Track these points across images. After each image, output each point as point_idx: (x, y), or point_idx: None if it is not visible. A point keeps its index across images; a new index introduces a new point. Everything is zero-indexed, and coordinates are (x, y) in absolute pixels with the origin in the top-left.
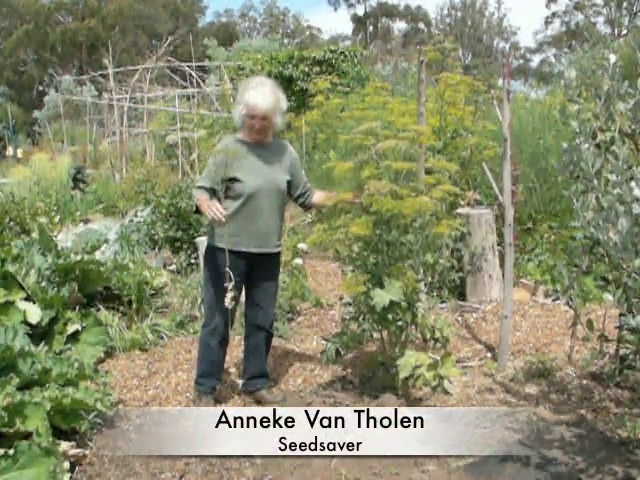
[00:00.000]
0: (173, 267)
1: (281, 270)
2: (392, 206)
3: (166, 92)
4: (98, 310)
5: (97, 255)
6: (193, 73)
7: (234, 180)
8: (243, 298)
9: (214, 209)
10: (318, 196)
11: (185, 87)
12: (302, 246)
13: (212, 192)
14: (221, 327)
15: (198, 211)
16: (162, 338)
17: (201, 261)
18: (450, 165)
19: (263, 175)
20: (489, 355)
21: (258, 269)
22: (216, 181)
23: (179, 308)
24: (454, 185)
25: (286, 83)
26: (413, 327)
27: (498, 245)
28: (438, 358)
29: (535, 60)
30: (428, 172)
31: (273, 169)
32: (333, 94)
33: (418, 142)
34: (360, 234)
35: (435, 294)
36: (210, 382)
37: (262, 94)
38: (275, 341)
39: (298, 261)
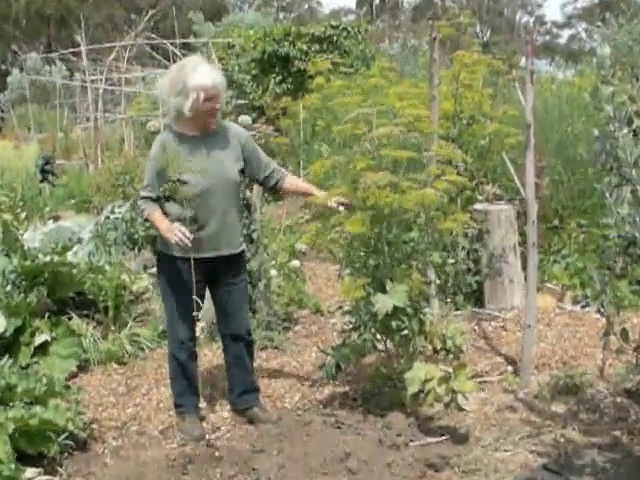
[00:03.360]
0: (154, 270)
1: (276, 273)
2: (391, 200)
3: (147, 73)
4: (70, 318)
5: (69, 256)
6: (177, 51)
7: (179, 182)
8: (206, 305)
9: (179, 234)
10: (292, 182)
11: (168, 67)
12: (299, 246)
13: (160, 201)
14: (187, 341)
15: (147, 220)
16: (142, 350)
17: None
18: (458, 154)
19: (211, 171)
20: (510, 369)
21: (220, 273)
22: (160, 187)
23: (161, 316)
24: (471, 178)
25: (282, 63)
26: (421, 336)
27: (520, 245)
28: (450, 371)
29: (563, 36)
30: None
31: (222, 161)
32: (335, 75)
33: (420, 128)
34: (356, 233)
35: (449, 300)
36: (190, 400)
37: (209, 71)
38: (270, 353)
39: (295, 263)
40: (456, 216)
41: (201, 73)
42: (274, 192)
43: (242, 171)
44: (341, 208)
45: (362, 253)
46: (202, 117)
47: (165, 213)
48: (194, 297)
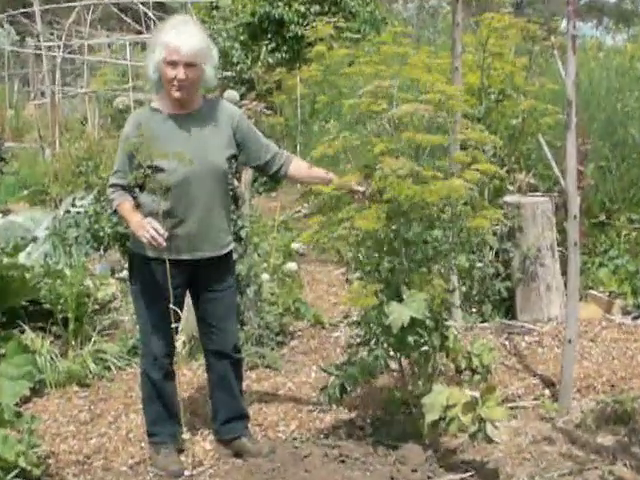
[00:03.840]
0: (124, 274)
1: (268, 278)
2: (413, 192)
3: (113, 39)
4: (22, 332)
5: (21, 258)
6: (150, 13)
7: (154, 169)
8: (186, 315)
9: (151, 231)
10: (299, 167)
11: (139, 32)
12: (297, 246)
13: (133, 190)
14: (163, 357)
15: (116, 212)
16: (109, 369)
17: None
18: (489, 137)
19: (192, 157)
20: (547, 392)
21: (203, 278)
22: (132, 173)
23: (132, 329)
24: (500, 165)
25: (275, 27)
26: (443, 353)
27: (559, 245)
28: (477, 395)
29: None
30: (462, 148)
31: (207, 145)
32: (338, 42)
33: (448, 108)
34: (369, 229)
35: (474, 310)
36: (166, 429)
37: (186, 32)
38: (261, 373)
39: (291, 266)
40: (487, 212)
41: (175, 31)
42: (276, 181)
43: (233, 157)
44: (360, 189)
45: (375, 254)
46: (167, 87)
47: (138, 205)
48: (172, 306)
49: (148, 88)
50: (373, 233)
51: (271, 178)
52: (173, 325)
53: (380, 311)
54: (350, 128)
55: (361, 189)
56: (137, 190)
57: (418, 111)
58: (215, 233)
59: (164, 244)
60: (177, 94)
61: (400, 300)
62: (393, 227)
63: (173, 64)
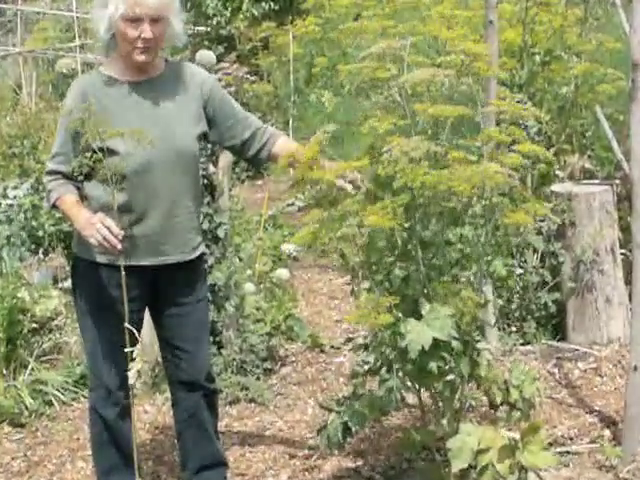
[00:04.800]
0: (69, 284)
1: (253, 289)
2: (434, 179)
3: None
4: None
5: None
6: None
7: (105, 152)
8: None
9: (103, 230)
10: (287, 148)
11: None
12: (289, 248)
13: (78, 179)
14: (117, 390)
15: (56, 207)
16: (50, 405)
17: None
18: (530, 110)
19: (154, 136)
20: (607, 434)
21: (166, 290)
22: (76, 157)
23: (79, 353)
24: (547, 145)
25: None
26: (473, 384)
27: (622, 247)
28: (517, 437)
29: None
30: (499, 124)
31: (172, 121)
32: None
33: (473, 72)
34: (378, 227)
35: (514, 329)
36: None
37: None
38: (244, 408)
39: (282, 273)
40: (529, 205)
41: None
42: (257, 165)
43: (204, 136)
44: (347, 184)
45: (387, 258)
46: (126, 49)
47: (84, 197)
48: (127, 325)
49: (99, 47)
50: (384, 232)
51: (251, 163)
52: (128, 349)
53: (394, 331)
54: (351, 103)
55: (348, 187)
56: (83, 179)
57: (435, 78)
58: (182, 232)
59: (119, 246)
60: (142, 57)
61: (419, 317)
62: (407, 225)
63: (136, 20)
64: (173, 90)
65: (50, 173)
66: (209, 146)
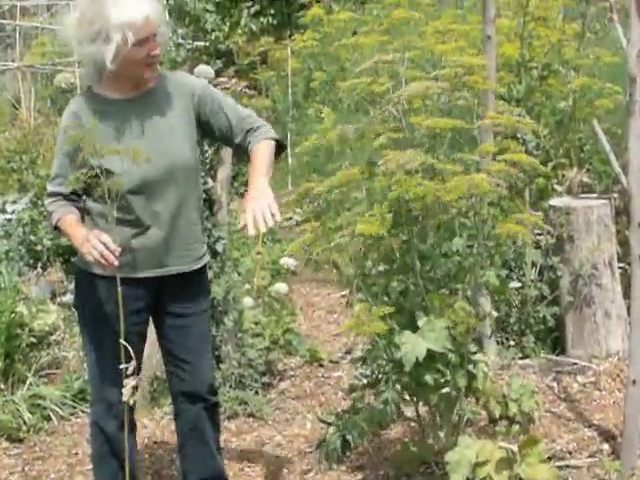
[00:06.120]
0: (68, 298)
1: (252, 303)
2: (425, 190)
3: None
4: None
5: None
6: None
7: (100, 171)
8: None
9: (99, 247)
10: (258, 151)
11: None
12: (287, 262)
13: (77, 197)
14: (119, 403)
15: (58, 228)
16: (48, 419)
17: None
18: (527, 123)
19: (151, 153)
20: (606, 448)
21: (170, 302)
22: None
23: (78, 368)
24: (545, 159)
25: None
26: (471, 398)
27: (620, 260)
28: (515, 449)
29: None
30: (496, 138)
31: (166, 134)
32: (340, 4)
33: (468, 85)
34: (371, 236)
35: (512, 343)
36: None
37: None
38: (243, 423)
39: (281, 287)
40: (522, 216)
41: (125, 4)
42: (239, 155)
43: (198, 143)
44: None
45: (382, 269)
46: (134, 70)
47: (87, 211)
48: (122, 341)
49: (88, 76)
50: (379, 243)
51: (235, 151)
52: (131, 363)
53: (390, 342)
54: (349, 116)
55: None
56: (82, 194)
57: (430, 91)
58: (185, 243)
59: (116, 263)
60: (150, 73)
61: (415, 329)
62: (403, 237)
63: (145, 41)
64: (165, 103)
65: (50, 195)
66: (207, 160)
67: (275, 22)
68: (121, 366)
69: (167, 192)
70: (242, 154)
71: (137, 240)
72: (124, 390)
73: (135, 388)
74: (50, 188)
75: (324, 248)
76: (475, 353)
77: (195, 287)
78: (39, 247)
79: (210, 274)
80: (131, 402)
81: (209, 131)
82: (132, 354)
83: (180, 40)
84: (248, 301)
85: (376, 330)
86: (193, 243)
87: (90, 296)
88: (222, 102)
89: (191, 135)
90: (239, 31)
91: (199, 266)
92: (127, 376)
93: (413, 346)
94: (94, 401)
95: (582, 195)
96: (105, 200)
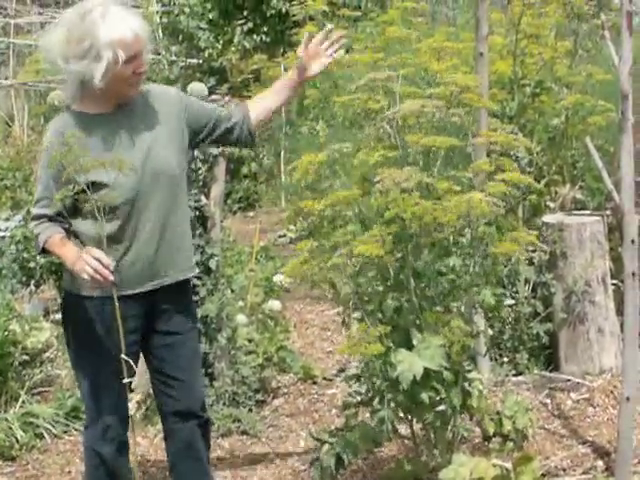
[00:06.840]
0: (61, 316)
1: (245, 320)
2: (422, 210)
3: (48, 17)
4: None
5: None
6: None
7: (91, 186)
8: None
9: (93, 263)
10: (261, 106)
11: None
12: (281, 279)
13: (62, 219)
14: (116, 425)
15: (46, 250)
16: (41, 437)
17: None
18: (520, 140)
19: (138, 163)
20: (600, 464)
21: (160, 318)
22: (61, 198)
23: (71, 385)
24: (538, 176)
25: (253, 2)
26: (465, 415)
27: (613, 277)
28: (509, 466)
29: None
30: (488, 155)
31: (153, 144)
32: (333, 22)
33: (463, 103)
34: (373, 255)
35: (506, 360)
36: None
37: (124, 16)
38: (236, 440)
39: (274, 305)
40: (518, 234)
41: (114, 21)
42: (248, 143)
43: (186, 150)
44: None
45: (378, 288)
46: (120, 87)
47: (74, 234)
48: (123, 356)
49: (71, 95)
50: (376, 262)
51: (238, 143)
52: (126, 380)
53: (385, 361)
54: (344, 134)
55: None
56: (68, 215)
57: (425, 109)
58: (175, 252)
59: (111, 277)
60: (135, 90)
61: (410, 347)
62: (399, 255)
63: (134, 58)
64: (147, 113)
65: (35, 218)
66: (201, 177)
67: (268, 40)
68: (124, 380)
69: (156, 201)
70: (228, 137)
71: (128, 255)
72: (130, 404)
73: (142, 402)
74: (35, 211)
75: (321, 267)
76: (470, 371)
77: (185, 301)
78: (32, 264)
79: (203, 291)
80: (138, 416)
81: (197, 129)
82: (134, 367)
83: (173, 57)
84: (242, 318)
85: (373, 352)
86: (184, 251)
87: (81, 320)
88: (202, 105)
89: (179, 140)
90: (232, 49)
91: (192, 274)
92: (131, 390)
93: (410, 364)
94: (89, 424)
95: (575, 212)
96: (95, 216)
